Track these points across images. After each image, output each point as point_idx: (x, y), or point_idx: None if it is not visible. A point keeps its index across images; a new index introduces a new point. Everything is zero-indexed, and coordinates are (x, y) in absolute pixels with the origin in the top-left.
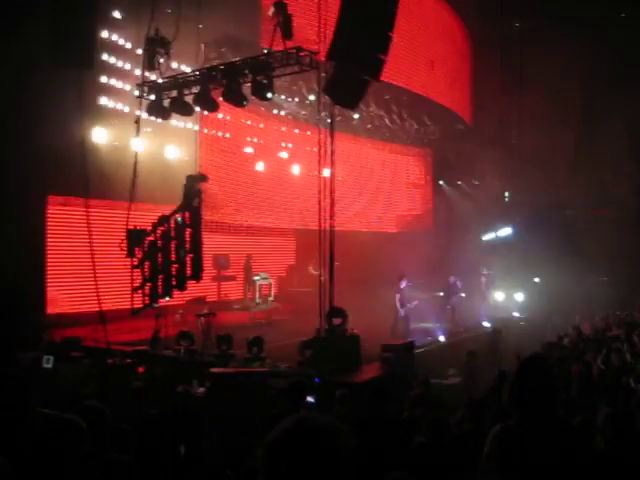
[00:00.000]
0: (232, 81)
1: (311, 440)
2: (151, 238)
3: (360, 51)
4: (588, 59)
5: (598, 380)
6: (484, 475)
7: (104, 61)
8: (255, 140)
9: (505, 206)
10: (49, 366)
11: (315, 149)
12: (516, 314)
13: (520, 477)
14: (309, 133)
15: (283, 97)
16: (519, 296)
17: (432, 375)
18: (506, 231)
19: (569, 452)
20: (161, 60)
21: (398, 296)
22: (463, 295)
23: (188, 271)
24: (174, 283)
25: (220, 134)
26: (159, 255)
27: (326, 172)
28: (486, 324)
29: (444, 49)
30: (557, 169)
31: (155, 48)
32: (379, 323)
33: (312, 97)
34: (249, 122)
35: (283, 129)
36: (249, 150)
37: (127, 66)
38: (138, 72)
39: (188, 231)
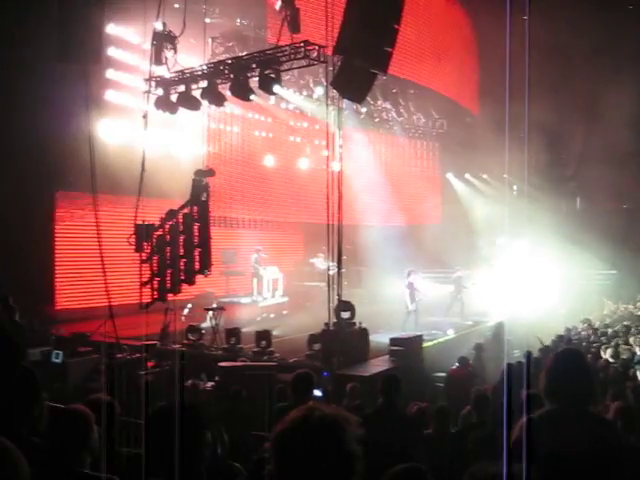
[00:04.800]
0: (240, 75)
1: (319, 430)
2: (159, 233)
3: (367, 44)
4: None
5: (605, 373)
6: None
7: (111, 56)
8: (263, 134)
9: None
10: (58, 361)
11: (324, 142)
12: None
13: (549, 467)
14: (317, 127)
15: (291, 90)
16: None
17: (440, 369)
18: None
19: (599, 444)
20: (168, 55)
21: (408, 291)
22: (471, 288)
23: (196, 265)
24: (183, 277)
25: (228, 128)
26: (167, 249)
27: (335, 166)
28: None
29: (451, 41)
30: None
31: (162, 43)
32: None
33: (320, 91)
34: (257, 116)
35: (291, 123)
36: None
37: (134, 61)
38: (145, 67)
39: (196, 225)
